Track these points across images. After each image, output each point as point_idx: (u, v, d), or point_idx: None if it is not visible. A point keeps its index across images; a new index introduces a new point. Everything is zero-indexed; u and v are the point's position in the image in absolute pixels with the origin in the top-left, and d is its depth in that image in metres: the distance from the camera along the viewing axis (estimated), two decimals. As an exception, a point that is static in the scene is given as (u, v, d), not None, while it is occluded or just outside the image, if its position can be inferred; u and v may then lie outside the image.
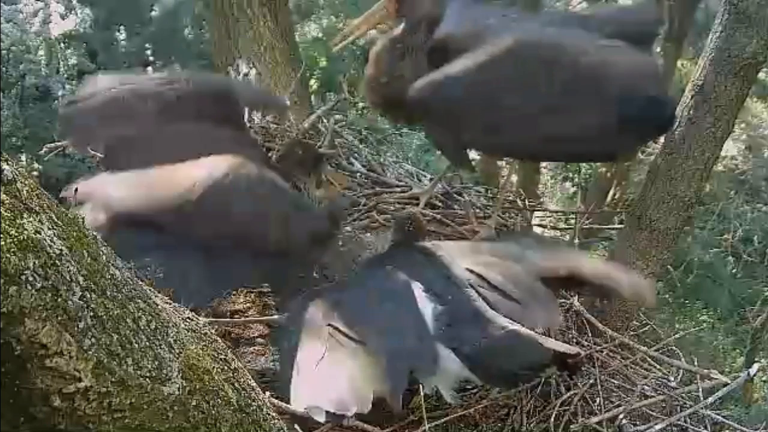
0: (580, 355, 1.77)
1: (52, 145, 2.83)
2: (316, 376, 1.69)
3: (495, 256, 2.01)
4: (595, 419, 2.06)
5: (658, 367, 2.40)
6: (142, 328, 1.08)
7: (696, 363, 2.37)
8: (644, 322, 2.72)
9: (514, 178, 6.14)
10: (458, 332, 1.77)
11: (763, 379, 4.67)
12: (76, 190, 1.73)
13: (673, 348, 2.45)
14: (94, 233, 1.05)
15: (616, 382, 2.27)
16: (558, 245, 2.26)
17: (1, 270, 0.83)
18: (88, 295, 0.96)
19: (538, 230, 3.13)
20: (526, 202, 3.20)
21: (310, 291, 2.02)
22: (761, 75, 5.72)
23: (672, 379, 2.36)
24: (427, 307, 1.84)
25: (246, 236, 1.92)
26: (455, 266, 1.96)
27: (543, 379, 2.11)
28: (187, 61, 6.13)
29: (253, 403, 1.40)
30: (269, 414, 1.46)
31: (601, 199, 6.34)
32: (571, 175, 7.80)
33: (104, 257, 1.03)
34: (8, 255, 0.84)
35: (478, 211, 2.90)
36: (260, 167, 2.03)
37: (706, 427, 2.19)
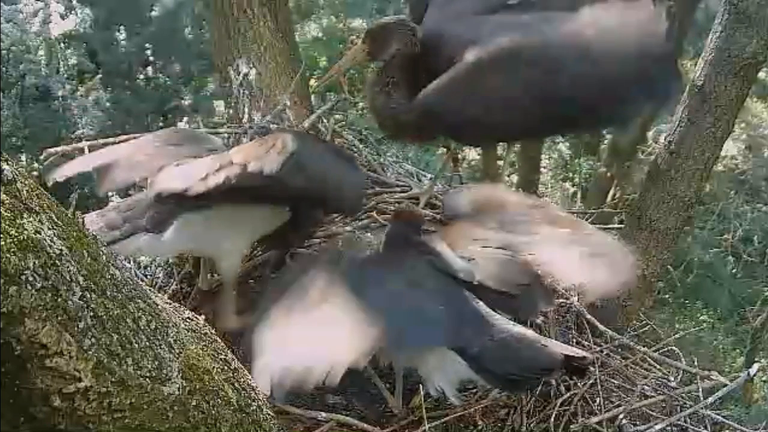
0: (587, 359, 1.76)
1: (52, 150, 2.82)
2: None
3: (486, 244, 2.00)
4: (595, 419, 2.06)
5: (658, 367, 2.40)
6: (142, 328, 1.08)
7: (696, 363, 2.36)
8: (644, 322, 2.72)
9: (514, 177, 6.14)
10: (463, 333, 1.76)
11: (763, 379, 4.67)
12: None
13: (673, 348, 2.45)
14: (94, 234, 1.05)
15: (616, 382, 2.27)
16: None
17: (1, 270, 0.83)
18: (88, 295, 0.96)
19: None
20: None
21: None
22: (761, 75, 5.72)
23: (672, 379, 2.36)
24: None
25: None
26: (456, 263, 1.95)
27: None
28: (187, 61, 6.14)
29: (253, 403, 1.40)
30: (269, 414, 1.46)
31: (601, 199, 6.34)
32: (571, 175, 7.80)
33: (104, 257, 1.03)
34: (8, 255, 0.84)
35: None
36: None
37: (706, 427, 2.19)
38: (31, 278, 0.87)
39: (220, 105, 5.62)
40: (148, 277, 2.56)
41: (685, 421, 2.18)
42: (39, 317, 0.89)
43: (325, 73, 2.98)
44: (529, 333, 1.78)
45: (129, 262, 2.48)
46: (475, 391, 2.09)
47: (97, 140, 2.81)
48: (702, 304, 5.70)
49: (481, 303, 1.84)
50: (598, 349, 2.30)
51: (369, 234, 2.58)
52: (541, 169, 7.28)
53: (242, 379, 1.40)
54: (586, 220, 3.18)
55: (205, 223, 2.00)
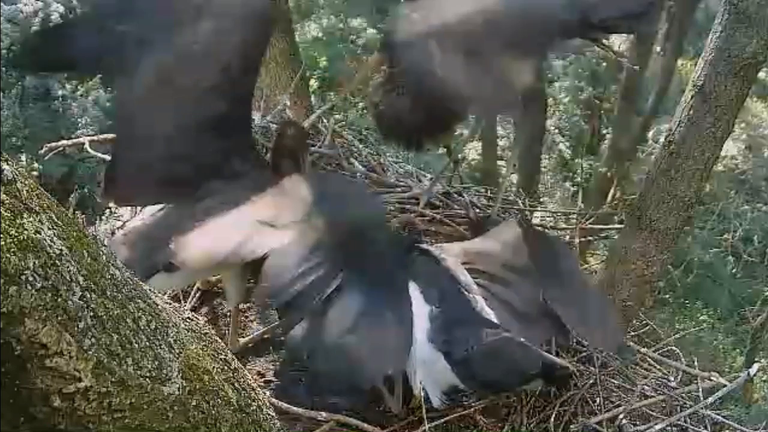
0: (569, 369, 1.78)
1: (52, 144, 2.82)
2: None
3: (502, 265, 2.01)
4: (595, 419, 2.06)
5: (658, 366, 2.40)
6: (142, 328, 1.08)
7: (696, 363, 2.36)
8: (644, 322, 2.72)
9: (514, 177, 6.15)
10: (450, 337, 1.77)
11: (763, 379, 4.67)
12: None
13: (673, 348, 2.44)
14: (94, 233, 1.05)
15: (616, 382, 2.27)
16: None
17: (1, 270, 0.83)
18: (88, 295, 0.96)
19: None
20: (526, 202, 3.20)
21: None
22: (761, 75, 5.73)
23: (672, 379, 2.36)
24: (423, 309, 1.84)
25: None
26: (457, 271, 1.96)
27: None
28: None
29: (253, 403, 1.40)
30: (269, 414, 1.46)
31: (601, 199, 6.35)
32: (571, 175, 7.81)
33: (104, 257, 1.03)
34: (8, 255, 0.84)
35: (478, 211, 2.90)
36: None
37: (706, 427, 2.18)
38: (31, 278, 0.87)
39: (220, 105, 5.62)
40: (148, 277, 2.55)
41: (685, 421, 2.18)
42: (39, 317, 0.89)
43: (325, 73, 2.99)
44: (514, 338, 1.78)
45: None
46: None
47: (98, 136, 2.82)
48: (702, 304, 5.71)
49: (476, 306, 1.84)
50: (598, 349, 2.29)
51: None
52: (541, 169, 7.29)
53: (242, 379, 1.40)
54: (586, 220, 3.19)
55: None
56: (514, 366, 1.74)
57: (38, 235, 0.89)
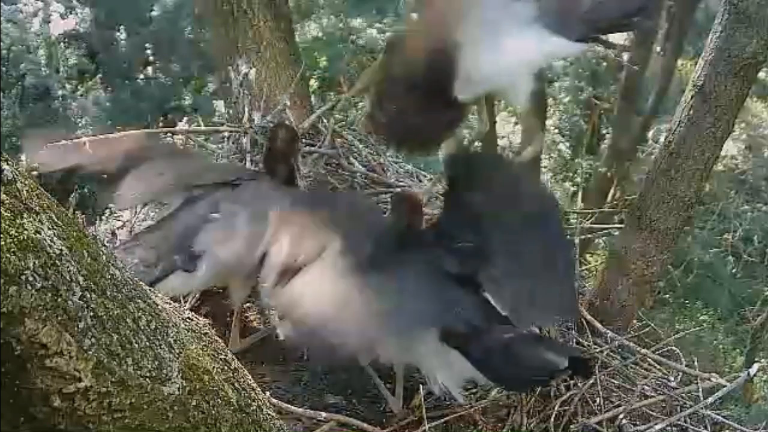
0: (592, 361, 1.77)
1: (52, 145, 2.82)
2: None
3: None
4: (595, 419, 2.06)
5: (658, 367, 2.40)
6: (142, 328, 1.08)
7: (696, 363, 2.36)
8: (644, 322, 2.72)
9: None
10: (467, 332, 1.75)
11: (763, 379, 4.66)
12: None
13: (673, 348, 2.44)
14: (94, 233, 1.05)
15: (616, 382, 2.27)
16: None
17: (1, 270, 0.83)
18: (88, 295, 0.96)
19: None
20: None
21: None
22: (761, 75, 5.73)
23: (672, 379, 2.36)
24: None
25: None
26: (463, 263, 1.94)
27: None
28: (187, 61, 6.15)
29: (253, 403, 1.40)
30: (269, 414, 1.46)
31: (601, 199, 6.34)
32: (571, 175, 7.80)
33: (104, 257, 1.03)
34: (8, 255, 0.84)
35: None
36: None
37: (706, 427, 2.18)
38: (31, 278, 0.87)
39: (220, 105, 5.63)
40: (148, 276, 2.55)
41: (685, 421, 2.18)
42: (39, 317, 0.89)
43: (325, 73, 2.99)
44: (535, 334, 1.78)
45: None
46: (475, 391, 2.09)
47: (97, 135, 2.81)
48: (702, 304, 5.70)
49: (489, 303, 1.83)
50: (598, 349, 2.29)
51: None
52: (541, 169, 7.28)
53: (242, 379, 1.40)
54: (587, 220, 3.19)
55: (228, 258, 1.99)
56: (541, 362, 1.68)
57: (38, 235, 0.89)
